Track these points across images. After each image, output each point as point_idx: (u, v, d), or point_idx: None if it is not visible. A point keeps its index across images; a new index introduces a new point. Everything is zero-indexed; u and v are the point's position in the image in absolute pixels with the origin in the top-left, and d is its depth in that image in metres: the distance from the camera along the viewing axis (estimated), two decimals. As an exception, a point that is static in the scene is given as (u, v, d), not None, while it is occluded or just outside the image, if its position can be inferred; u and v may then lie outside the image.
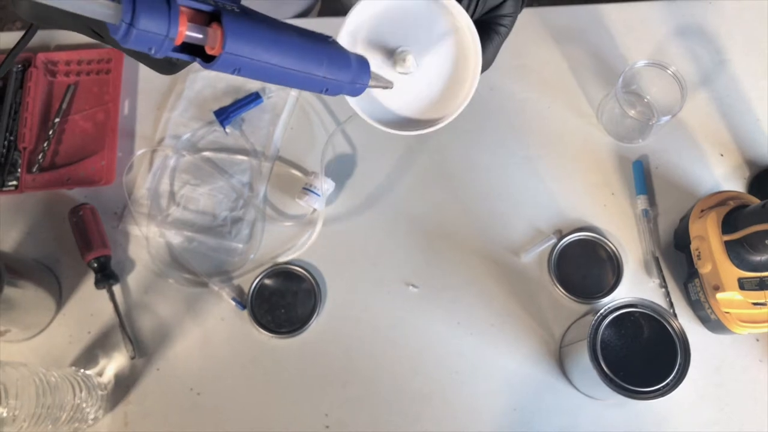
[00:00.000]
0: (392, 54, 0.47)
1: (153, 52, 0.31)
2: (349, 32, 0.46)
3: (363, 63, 0.42)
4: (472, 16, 0.48)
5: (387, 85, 0.45)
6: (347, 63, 0.40)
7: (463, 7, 0.46)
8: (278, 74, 0.37)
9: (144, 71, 0.80)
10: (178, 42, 0.32)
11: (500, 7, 0.49)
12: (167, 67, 0.41)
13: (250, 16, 0.35)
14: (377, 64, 0.47)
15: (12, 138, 0.75)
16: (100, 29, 0.40)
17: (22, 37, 0.43)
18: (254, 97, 0.76)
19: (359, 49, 0.47)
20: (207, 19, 0.34)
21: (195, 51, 0.34)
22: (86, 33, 0.41)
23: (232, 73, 0.35)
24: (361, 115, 0.48)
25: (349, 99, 0.47)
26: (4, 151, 0.74)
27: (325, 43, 0.39)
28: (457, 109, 0.48)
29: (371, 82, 0.43)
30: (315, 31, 0.40)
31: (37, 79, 0.76)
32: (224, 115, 0.75)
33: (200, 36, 0.33)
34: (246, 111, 0.76)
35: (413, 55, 0.47)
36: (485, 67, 0.49)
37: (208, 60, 0.35)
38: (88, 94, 0.78)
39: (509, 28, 0.50)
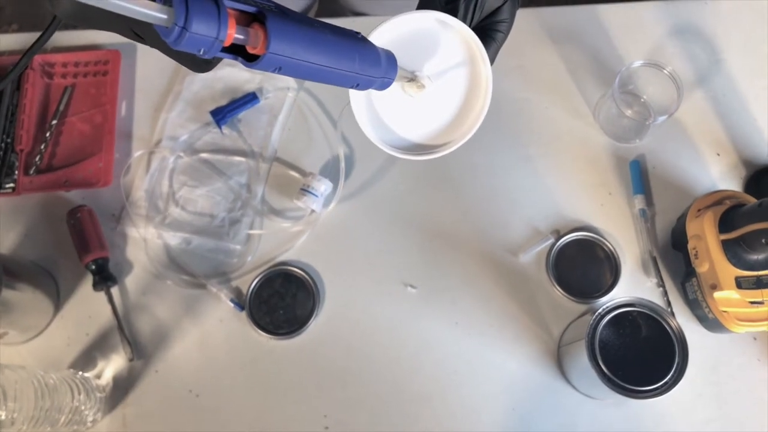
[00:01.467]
0: (411, 78, 0.47)
1: (202, 53, 0.32)
2: None
3: (391, 58, 0.43)
4: (470, 25, 0.48)
5: (411, 76, 0.46)
6: (377, 58, 0.41)
7: (461, 14, 0.47)
8: (316, 71, 0.38)
9: (141, 73, 0.80)
10: (227, 44, 0.33)
11: (497, 12, 0.50)
12: (203, 65, 0.42)
13: (289, 15, 0.37)
14: (392, 89, 0.47)
15: (9, 140, 0.74)
16: (143, 31, 0.40)
17: (39, 37, 0.44)
18: (251, 98, 0.76)
19: None
20: (249, 19, 0.35)
21: (237, 51, 0.35)
22: (126, 34, 0.41)
23: (274, 71, 0.36)
24: (372, 140, 0.48)
25: (361, 124, 0.48)
26: (1, 153, 0.74)
27: (356, 40, 0.40)
28: (464, 136, 0.48)
29: (397, 76, 0.44)
30: (345, 28, 0.41)
31: (34, 80, 0.76)
32: (220, 115, 0.75)
33: (244, 37, 0.34)
34: (243, 111, 0.76)
35: (427, 81, 0.47)
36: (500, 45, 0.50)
37: (249, 59, 0.36)
38: (86, 96, 0.78)
39: (506, 33, 0.51)
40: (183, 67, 0.80)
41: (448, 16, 0.45)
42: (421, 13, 0.46)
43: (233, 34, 0.33)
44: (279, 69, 0.36)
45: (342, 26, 0.40)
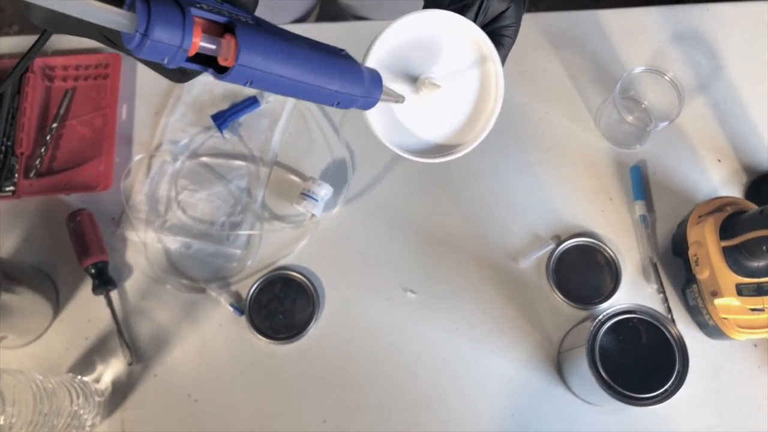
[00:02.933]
0: (416, 80, 0.46)
1: (166, 62, 0.32)
2: (375, 58, 0.46)
3: (375, 77, 0.42)
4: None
5: (398, 99, 0.45)
6: (359, 77, 0.40)
7: (468, 17, 0.46)
8: (290, 87, 0.37)
9: (142, 76, 0.80)
10: (192, 53, 0.32)
11: (501, 17, 0.49)
12: (178, 75, 0.41)
13: (264, 28, 0.36)
14: (402, 90, 0.47)
15: (9, 143, 0.74)
16: (114, 37, 0.40)
17: (36, 43, 0.43)
18: (252, 102, 0.76)
19: (383, 74, 0.47)
20: (221, 30, 0.34)
21: (208, 61, 0.34)
22: (100, 40, 0.41)
23: (245, 84, 0.35)
24: (381, 140, 0.47)
25: (372, 125, 0.47)
26: (1, 156, 0.74)
27: (338, 57, 0.39)
28: (476, 138, 0.48)
29: (383, 96, 0.43)
30: (328, 44, 0.40)
31: (34, 84, 0.76)
32: (221, 119, 0.75)
33: (214, 47, 0.33)
34: (244, 115, 0.76)
35: (437, 83, 0.46)
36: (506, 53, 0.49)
37: (221, 71, 0.35)
38: (86, 100, 0.78)
39: (513, 38, 0.50)
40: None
41: (459, 16, 0.45)
42: (432, 13, 0.45)
43: (199, 42, 0.32)
44: (250, 83, 0.35)
45: (332, 40, 0.39)
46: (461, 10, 0.46)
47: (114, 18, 0.29)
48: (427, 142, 0.49)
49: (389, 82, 0.46)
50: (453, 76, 0.47)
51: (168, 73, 0.41)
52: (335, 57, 0.39)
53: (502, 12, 0.49)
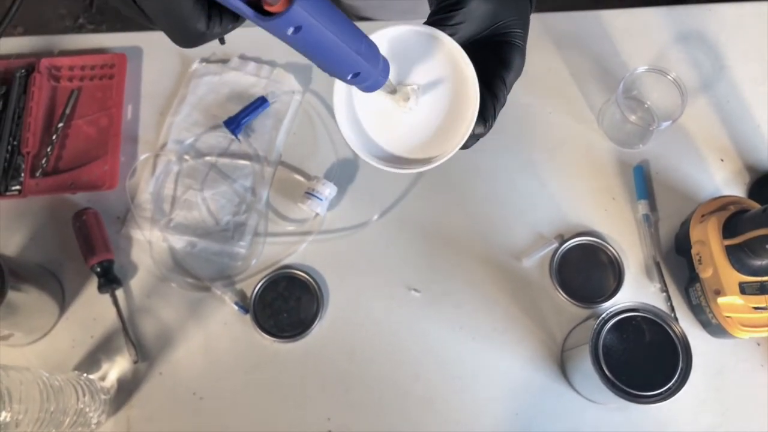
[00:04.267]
0: (393, 90, 0.45)
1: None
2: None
3: (386, 61, 0.42)
4: (478, 34, 0.47)
5: (393, 89, 0.44)
6: (378, 56, 0.40)
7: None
8: (330, 44, 0.36)
9: (147, 77, 0.81)
10: None
11: (506, 22, 0.47)
12: (192, 38, 0.38)
13: None
14: (380, 101, 0.46)
15: (15, 143, 0.75)
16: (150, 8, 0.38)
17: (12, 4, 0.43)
18: (260, 102, 0.77)
19: (356, 95, 0.47)
20: None
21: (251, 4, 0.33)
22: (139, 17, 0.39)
23: (294, 32, 0.34)
24: (354, 149, 0.46)
25: (344, 132, 0.46)
26: (8, 155, 0.74)
27: (362, 33, 0.39)
28: (452, 149, 0.46)
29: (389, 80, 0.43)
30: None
31: (40, 84, 0.77)
32: (234, 124, 0.75)
33: None
34: (255, 117, 0.77)
35: (414, 91, 0.45)
36: (517, 75, 0.48)
37: (264, 15, 0.33)
38: (92, 99, 0.79)
39: (522, 37, 0.49)
40: (188, 71, 0.80)
41: (434, 29, 0.44)
42: (406, 27, 0.44)
43: None
44: (298, 30, 0.33)
45: None
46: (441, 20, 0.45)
47: None
48: (398, 152, 0.47)
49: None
50: (429, 86, 0.46)
51: (182, 38, 0.39)
52: (361, 33, 0.39)
53: (503, 18, 0.47)
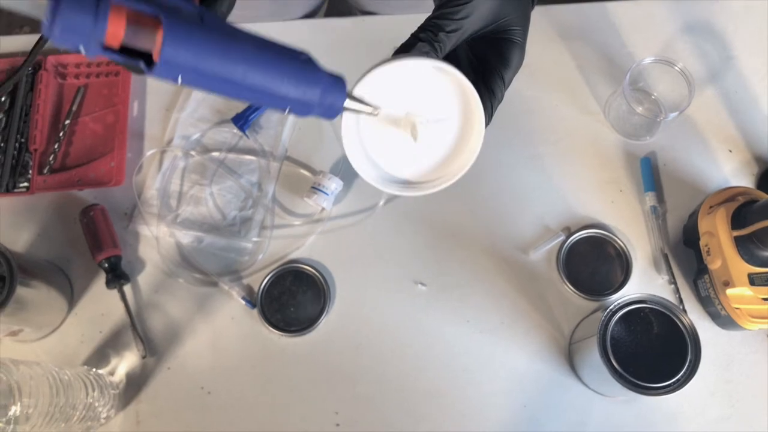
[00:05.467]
0: (398, 121, 0.45)
1: (83, 51, 0.30)
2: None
3: (337, 83, 0.39)
4: (480, 30, 0.47)
5: (372, 111, 0.42)
6: (315, 79, 0.37)
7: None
8: (227, 87, 0.34)
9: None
10: (115, 43, 0.31)
11: (508, 20, 0.47)
12: (134, 68, 0.38)
13: (207, 22, 0.33)
14: (385, 130, 0.46)
15: (23, 140, 0.75)
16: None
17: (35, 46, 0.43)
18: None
19: (363, 120, 0.45)
20: (156, 21, 0.32)
21: (142, 55, 0.32)
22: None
23: (176, 82, 0.33)
24: (367, 179, 0.46)
25: (349, 157, 0.45)
26: (15, 153, 0.75)
27: (290, 58, 0.37)
28: (458, 172, 0.47)
29: (350, 104, 0.40)
30: (288, 46, 0.37)
31: (47, 81, 0.77)
32: (242, 120, 0.75)
33: (138, 39, 0.31)
34: (262, 113, 0.76)
35: (421, 124, 0.45)
36: (515, 72, 0.48)
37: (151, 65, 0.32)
38: (98, 96, 0.79)
39: (522, 34, 0.49)
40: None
41: (443, 63, 0.43)
42: (415, 61, 0.42)
43: (121, 32, 0.31)
44: (179, 79, 0.33)
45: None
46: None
47: (25, 4, 0.28)
48: (402, 177, 0.48)
49: (372, 122, 0.45)
50: (434, 116, 0.46)
51: (129, 66, 0.38)
52: (287, 58, 0.36)
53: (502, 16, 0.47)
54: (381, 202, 0.74)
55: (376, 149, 0.47)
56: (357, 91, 0.42)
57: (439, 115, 0.46)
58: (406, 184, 0.48)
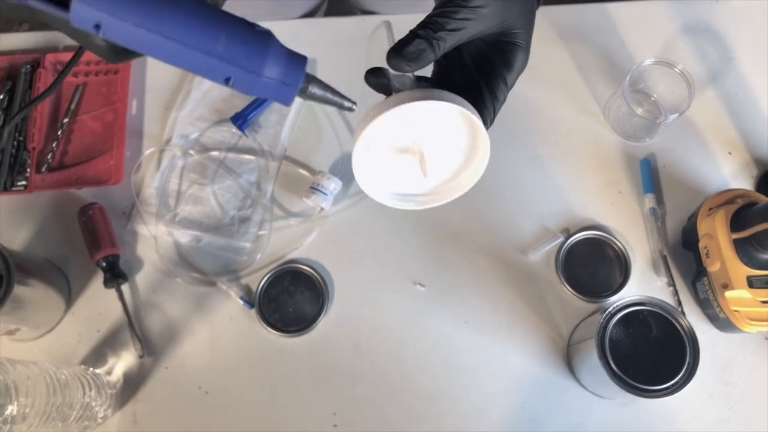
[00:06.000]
0: (405, 150, 0.46)
1: None
2: (365, 141, 0.43)
3: (295, 61, 0.34)
4: (483, 33, 0.46)
5: (347, 106, 0.39)
6: (264, 49, 0.32)
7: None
8: (153, 42, 0.30)
9: (151, 72, 0.81)
10: None
11: (512, 23, 0.47)
12: (116, 54, 0.36)
13: None
14: (394, 157, 0.46)
15: (21, 138, 0.75)
16: (46, 18, 0.35)
17: (74, 56, 0.42)
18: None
19: (372, 150, 0.45)
20: None
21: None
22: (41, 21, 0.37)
23: (93, 30, 0.30)
24: (363, 188, 0.46)
25: (357, 176, 0.44)
26: (14, 151, 0.74)
27: (239, 22, 0.32)
28: (456, 192, 0.49)
29: (316, 90, 0.36)
30: (254, 24, 0.33)
31: (45, 79, 0.77)
32: (241, 120, 0.75)
33: None
34: (261, 112, 0.76)
35: (426, 149, 0.46)
36: (518, 75, 0.49)
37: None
38: (97, 95, 0.79)
39: (526, 37, 0.49)
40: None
41: (472, 113, 0.42)
42: (441, 105, 0.41)
43: None
44: (98, 27, 0.30)
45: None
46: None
47: None
48: (414, 193, 0.50)
49: (380, 152, 0.45)
50: (441, 141, 0.46)
51: (104, 53, 0.36)
52: (233, 20, 0.32)
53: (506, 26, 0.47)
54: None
55: (385, 173, 0.47)
56: (370, 134, 0.41)
57: (445, 140, 0.46)
58: (415, 199, 0.50)
